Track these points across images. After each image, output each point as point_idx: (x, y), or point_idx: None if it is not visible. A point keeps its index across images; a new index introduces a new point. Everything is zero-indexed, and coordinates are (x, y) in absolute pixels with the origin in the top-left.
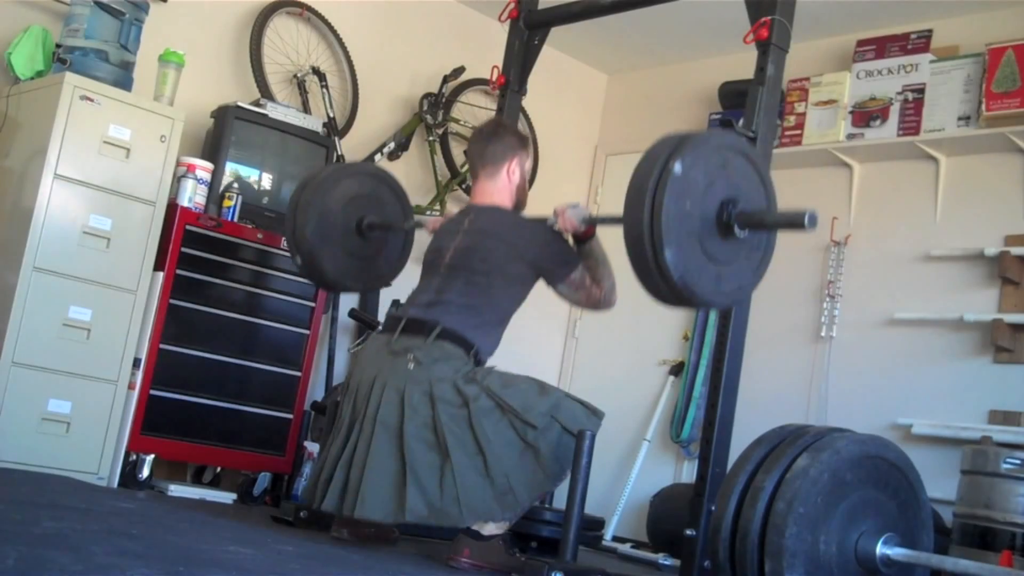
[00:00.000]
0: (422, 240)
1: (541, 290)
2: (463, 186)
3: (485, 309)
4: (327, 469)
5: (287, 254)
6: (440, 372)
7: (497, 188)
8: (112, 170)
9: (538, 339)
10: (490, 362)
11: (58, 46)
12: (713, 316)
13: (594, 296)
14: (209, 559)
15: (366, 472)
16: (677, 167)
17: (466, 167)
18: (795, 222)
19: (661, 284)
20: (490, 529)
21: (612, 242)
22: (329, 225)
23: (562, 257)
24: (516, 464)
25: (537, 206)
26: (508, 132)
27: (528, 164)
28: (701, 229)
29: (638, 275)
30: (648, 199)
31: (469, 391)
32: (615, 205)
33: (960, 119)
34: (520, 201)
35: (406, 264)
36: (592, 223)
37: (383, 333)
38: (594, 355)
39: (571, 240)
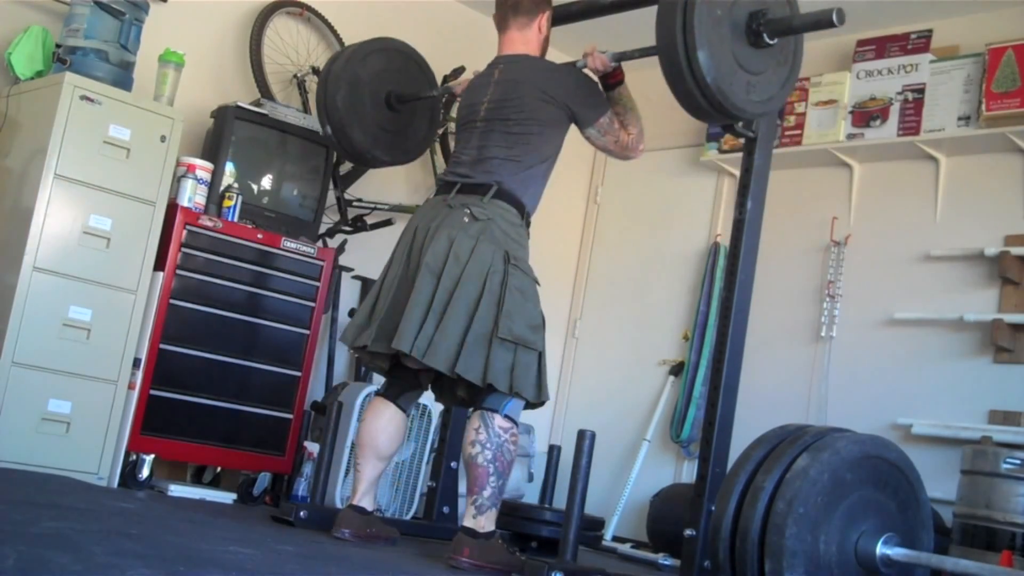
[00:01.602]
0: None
1: (542, 290)
2: None
3: (527, 157)
4: (377, 313)
5: (287, 254)
6: (491, 231)
7: (527, 39)
8: (112, 170)
9: None
10: None
11: (58, 46)
12: (713, 316)
13: (622, 141)
14: (209, 559)
15: (407, 310)
16: None
17: None
18: (823, 20)
19: (694, 89)
20: (482, 524)
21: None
22: (359, 96)
23: (592, 99)
24: (476, 344)
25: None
26: None
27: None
28: (732, 36)
29: (671, 83)
30: (680, 6)
31: (497, 266)
32: (615, 205)
33: (960, 119)
34: (543, 53)
35: (434, 140)
36: (622, 60)
37: (438, 195)
38: (594, 355)
39: (600, 86)
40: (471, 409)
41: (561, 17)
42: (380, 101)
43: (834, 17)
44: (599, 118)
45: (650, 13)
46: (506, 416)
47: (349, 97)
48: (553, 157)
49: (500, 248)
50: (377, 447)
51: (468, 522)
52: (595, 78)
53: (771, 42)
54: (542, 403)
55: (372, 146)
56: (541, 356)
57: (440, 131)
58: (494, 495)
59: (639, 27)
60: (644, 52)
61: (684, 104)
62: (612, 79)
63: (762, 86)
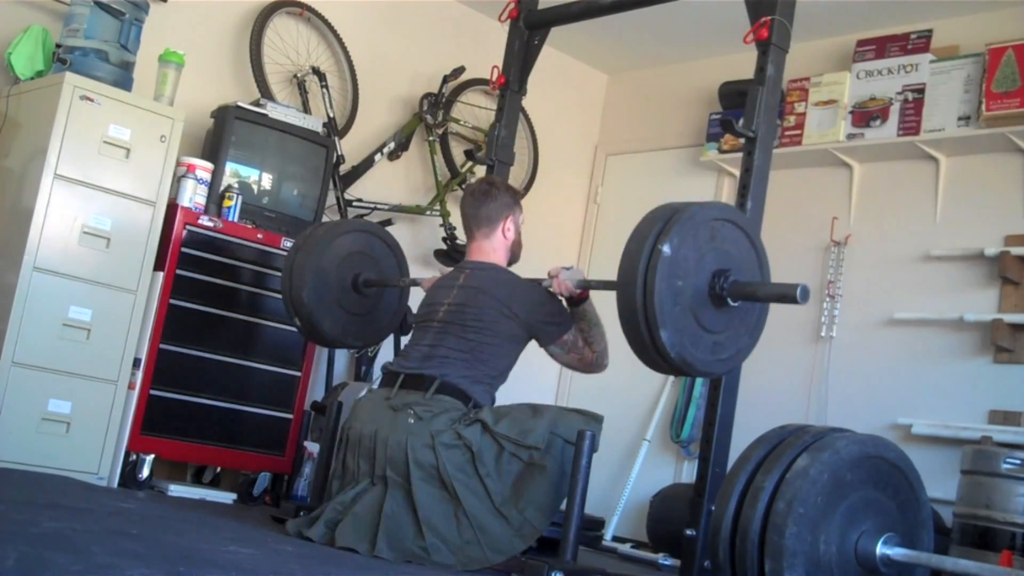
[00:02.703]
0: (417, 294)
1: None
2: (463, 186)
3: (477, 365)
4: (336, 511)
5: (287, 254)
6: (440, 425)
7: (493, 247)
8: (112, 170)
9: None
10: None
11: (58, 46)
12: None
13: (586, 358)
14: (209, 559)
15: (382, 524)
16: (666, 248)
17: (466, 167)
18: (787, 295)
19: (659, 360)
20: None
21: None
22: (325, 285)
23: (555, 318)
24: (526, 494)
25: (537, 206)
26: (501, 190)
27: (521, 218)
28: (694, 302)
29: (636, 352)
30: (640, 282)
31: (469, 435)
32: (616, 205)
33: (960, 119)
34: (515, 256)
35: (403, 317)
36: (586, 287)
37: (381, 388)
38: None
39: (564, 302)
40: None
41: (562, 17)
42: (347, 286)
43: (798, 295)
44: (562, 336)
45: (651, 13)
46: None
47: (315, 290)
48: (505, 371)
49: (458, 423)
50: None
51: None
52: (560, 296)
53: (734, 304)
54: (600, 420)
55: (342, 335)
56: (561, 410)
57: (440, 131)
58: None
59: (640, 27)
60: (611, 286)
61: (649, 367)
62: (577, 298)
63: (729, 343)
